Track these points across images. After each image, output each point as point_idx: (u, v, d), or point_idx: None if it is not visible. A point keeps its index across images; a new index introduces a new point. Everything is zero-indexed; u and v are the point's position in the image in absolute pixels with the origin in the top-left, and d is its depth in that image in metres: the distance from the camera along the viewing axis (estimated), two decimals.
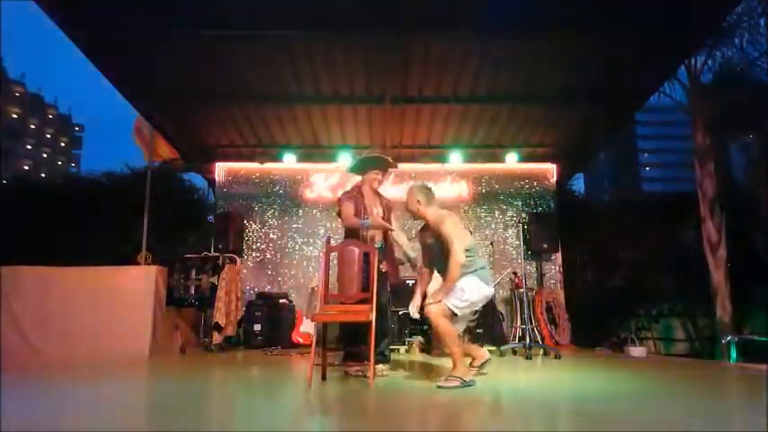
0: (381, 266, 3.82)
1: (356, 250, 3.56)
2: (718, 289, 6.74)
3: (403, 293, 5.94)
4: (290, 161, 7.21)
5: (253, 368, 4.63)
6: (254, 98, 6.20)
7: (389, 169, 4.20)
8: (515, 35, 5.00)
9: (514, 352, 5.34)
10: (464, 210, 7.34)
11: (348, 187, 4.31)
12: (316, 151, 7.33)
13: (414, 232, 4.17)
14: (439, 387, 3.06)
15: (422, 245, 3.55)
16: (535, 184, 7.53)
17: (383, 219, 3.94)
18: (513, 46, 5.22)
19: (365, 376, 3.35)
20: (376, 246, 3.82)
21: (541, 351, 5.33)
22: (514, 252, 7.18)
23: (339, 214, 4.02)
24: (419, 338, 5.72)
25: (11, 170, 36.07)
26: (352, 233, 3.90)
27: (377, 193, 4.08)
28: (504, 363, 4.80)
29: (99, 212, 7.13)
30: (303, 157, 7.32)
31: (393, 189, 7.33)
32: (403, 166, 7.17)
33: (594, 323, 6.96)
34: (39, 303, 4.99)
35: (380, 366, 3.73)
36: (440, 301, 3.18)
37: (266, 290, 6.93)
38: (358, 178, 4.20)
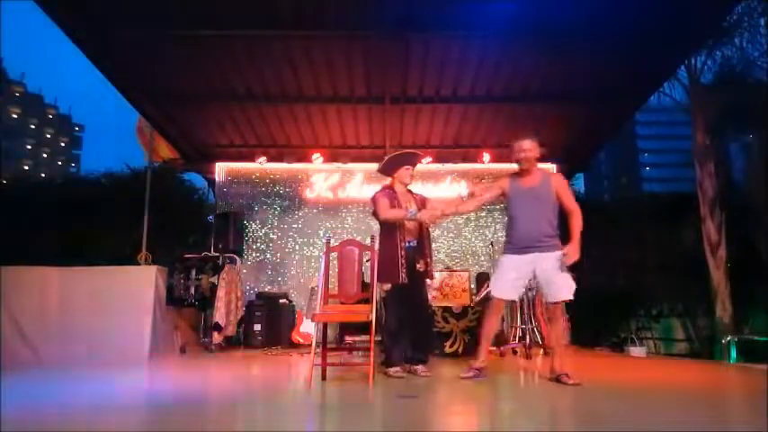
0: (418, 266, 3.75)
1: (356, 250, 3.57)
2: (719, 289, 6.73)
3: None
4: (289, 161, 7.22)
5: (253, 368, 4.63)
6: (254, 98, 6.20)
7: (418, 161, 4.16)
8: (515, 35, 5.00)
9: (514, 352, 5.33)
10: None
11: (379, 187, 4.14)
12: (316, 151, 7.33)
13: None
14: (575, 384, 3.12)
15: (510, 192, 3.45)
16: None
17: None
18: (513, 46, 5.22)
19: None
20: (412, 244, 3.78)
21: (541, 351, 5.33)
22: None
23: (374, 213, 3.89)
24: None
25: (11, 170, 36.05)
26: (389, 228, 3.77)
27: (409, 191, 3.98)
28: (504, 363, 4.80)
29: (99, 212, 7.12)
30: (303, 157, 7.32)
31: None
32: None
33: (594, 323, 6.95)
34: (38, 304, 4.98)
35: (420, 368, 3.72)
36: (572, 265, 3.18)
37: (266, 290, 6.93)
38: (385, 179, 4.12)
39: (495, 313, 3.43)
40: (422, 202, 3.91)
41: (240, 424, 2.41)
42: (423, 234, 3.86)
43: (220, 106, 6.40)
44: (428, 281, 4.01)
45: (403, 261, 3.63)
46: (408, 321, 3.72)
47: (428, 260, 3.83)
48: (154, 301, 5.17)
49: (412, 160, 4.00)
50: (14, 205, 7.15)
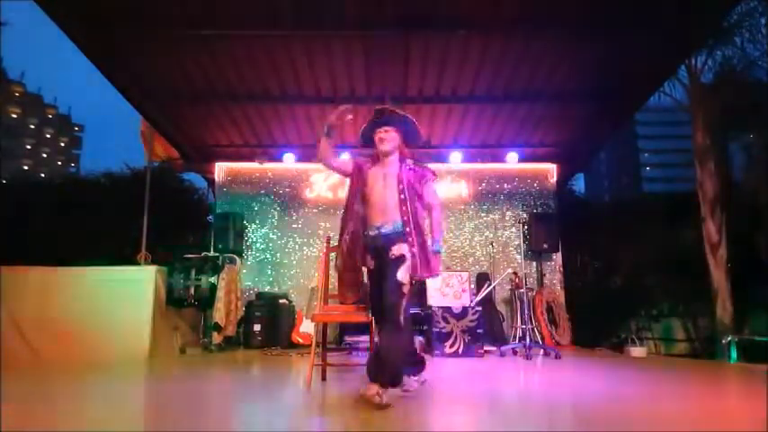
0: (392, 252, 2.80)
1: None
2: (719, 289, 6.72)
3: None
4: (289, 161, 7.22)
5: (253, 368, 4.63)
6: (254, 98, 6.19)
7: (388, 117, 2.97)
8: (515, 35, 5.01)
9: (515, 352, 5.34)
10: (464, 210, 7.35)
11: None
12: (316, 151, 7.32)
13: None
14: None
15: None
16: (535, 184, 7.52)
17: (400, 190, 2.82)
18: (513, 46, 5.22)
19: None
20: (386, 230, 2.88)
21: (541, 351, 5.33)
22: (514, 252, 7.18)
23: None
24: (419, 338, 5.71)
25: (11, 170, 36.07)
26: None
27: (402, 161, 2.93)
28: (505, 363, 4.81)
29: (99, 212, 7.12)
30: (303, 157, 7.32)
31: None
32: None
33: (594, 323, 6.95)
34: (38, 303, 4.98)
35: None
36: None
37: (266, 290, 6.92)
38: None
39: None
40: (418, 178, 2.88)
41: (240, 424, 2.41)
42: (406, 213, 2.78)
43: (220, 106, 6.39)
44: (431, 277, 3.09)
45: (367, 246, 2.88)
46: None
47: (413, 248, 2.75)
48: (154, 301, 5.17)
49: (381, 117, 2.95)
50: (14, 205, 7.16)
